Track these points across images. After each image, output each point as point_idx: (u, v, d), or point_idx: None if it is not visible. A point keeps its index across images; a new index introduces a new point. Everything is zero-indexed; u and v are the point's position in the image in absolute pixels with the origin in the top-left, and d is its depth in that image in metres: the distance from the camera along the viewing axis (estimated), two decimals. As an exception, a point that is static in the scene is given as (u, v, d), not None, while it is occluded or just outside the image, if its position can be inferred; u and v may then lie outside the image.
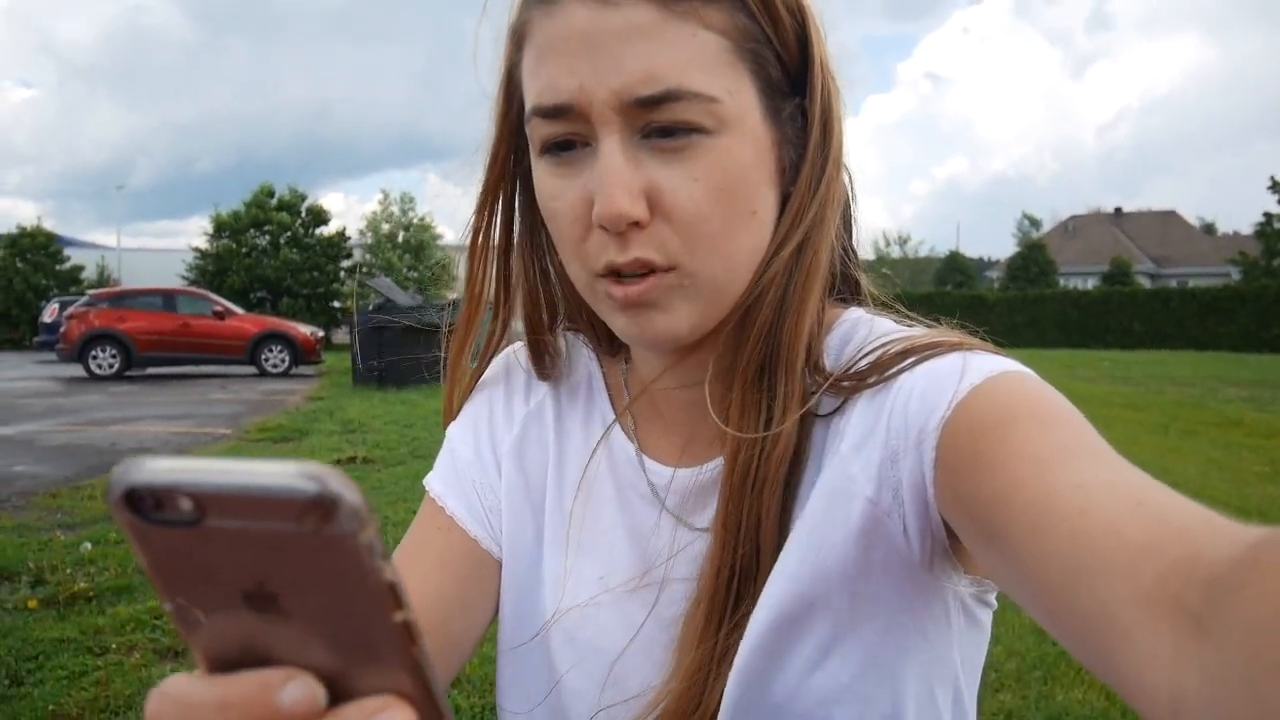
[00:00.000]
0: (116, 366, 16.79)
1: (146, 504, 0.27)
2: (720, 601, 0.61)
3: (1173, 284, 43.79)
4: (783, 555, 0.60)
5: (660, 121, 0.56)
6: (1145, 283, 45.83)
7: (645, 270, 0.58)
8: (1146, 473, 0.46)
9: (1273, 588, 0.31)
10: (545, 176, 0.61)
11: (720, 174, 0.58)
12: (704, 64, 0.56)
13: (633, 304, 0.60)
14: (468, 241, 0.73)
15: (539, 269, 0.73)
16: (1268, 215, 39.18)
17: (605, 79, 0.56)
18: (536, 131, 0.60)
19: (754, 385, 0.62)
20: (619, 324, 0.62)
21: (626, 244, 0.58)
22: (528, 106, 0.60)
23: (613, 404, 0.75)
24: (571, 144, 0.59)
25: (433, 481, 0.77)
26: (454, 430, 0.79)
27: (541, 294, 0.74)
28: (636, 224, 0.57)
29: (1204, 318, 31.82)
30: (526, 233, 0.73)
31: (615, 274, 0.59)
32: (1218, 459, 8.02)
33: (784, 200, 0.63)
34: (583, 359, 0.79)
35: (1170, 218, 59.16)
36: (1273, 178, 38.98)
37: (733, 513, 0.61)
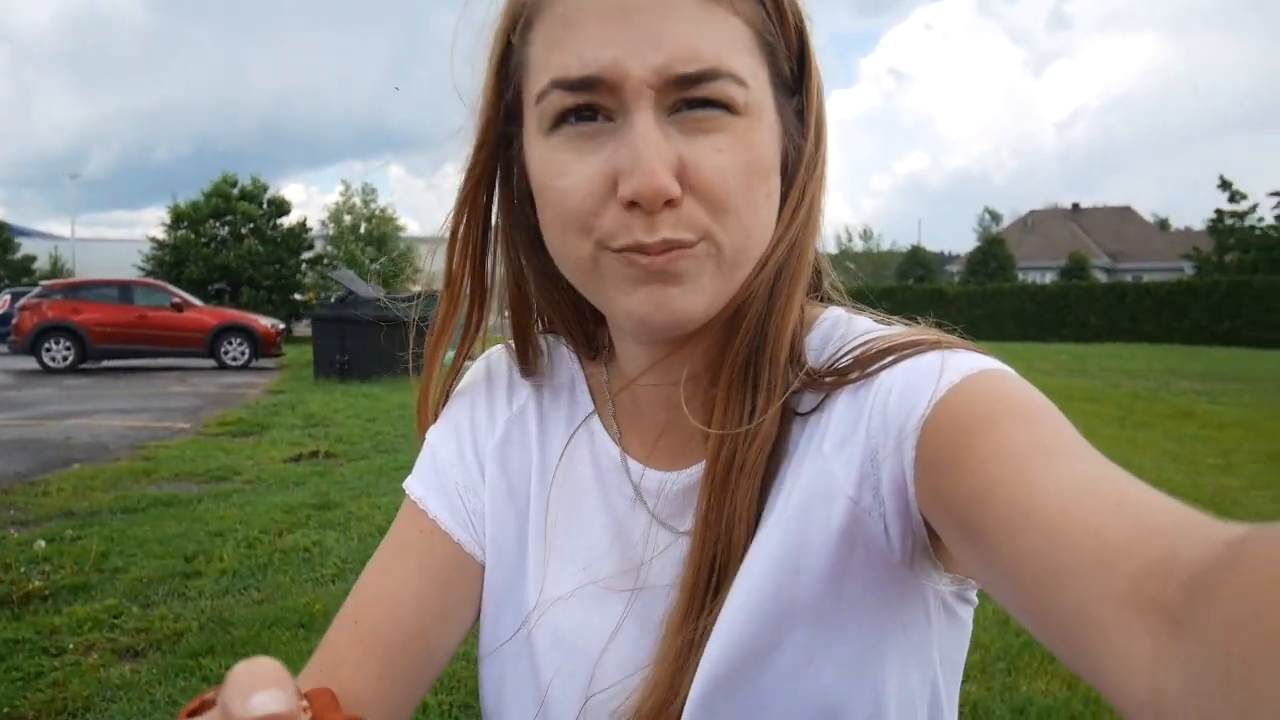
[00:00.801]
0: (71, 359, 16.47)
1: None
2: (699, 594, 0.61)
3: (1128, 278, 44.47)
4: (760, 551, 0.60)
5: (694, 96, 0.56)
6: (1101, 277, 46.56)
7: (672, 247, 0.58)
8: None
9: (1250, 585, 0.31)
10: (552, 153, 0.59)
11: (745, 150, 0.58)
12: (735, 47, 0.57)
13: (656, 275, 0.58)
14: (447, 234, 0.71)
15: (522, 264, 0.72)
16: (1219, 212, 39.99)
17: (643, 53, 0.55)
18: (552, 105, 0.58)
19: (739, 380, 0.62)
20: (631, 302, 0.59)
21: (656, 224, 0.56)
22: (544, 81, 0.58)
23: (596, 405, 0.75)
24: (592, 115, 0.58)
25: (413, 485, 0.75)
26: (434, 434, 0.78)
27: (524, 285, 0.73)
28: (669, 202, 0.56)
29: (1158, 312, 32.44)
30: (509, 227, 0.71)
31: (639, 249, 0.58)
32: (1172, 450, 8.20)
33: (781, 196, 0.64)
34: (564, 360, 0.78)
35: (1126, 214, 60.13)
36: (1222, 176, 39.85)
37: (714, 507, 0.61)
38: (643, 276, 0.58)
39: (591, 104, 0.57)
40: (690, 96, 0.56)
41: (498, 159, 0.68)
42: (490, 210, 0.71)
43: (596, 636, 0.67)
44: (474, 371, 0.80)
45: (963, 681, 0.66)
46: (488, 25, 0.65)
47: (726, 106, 0.57)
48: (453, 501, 0.74)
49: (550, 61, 0.58)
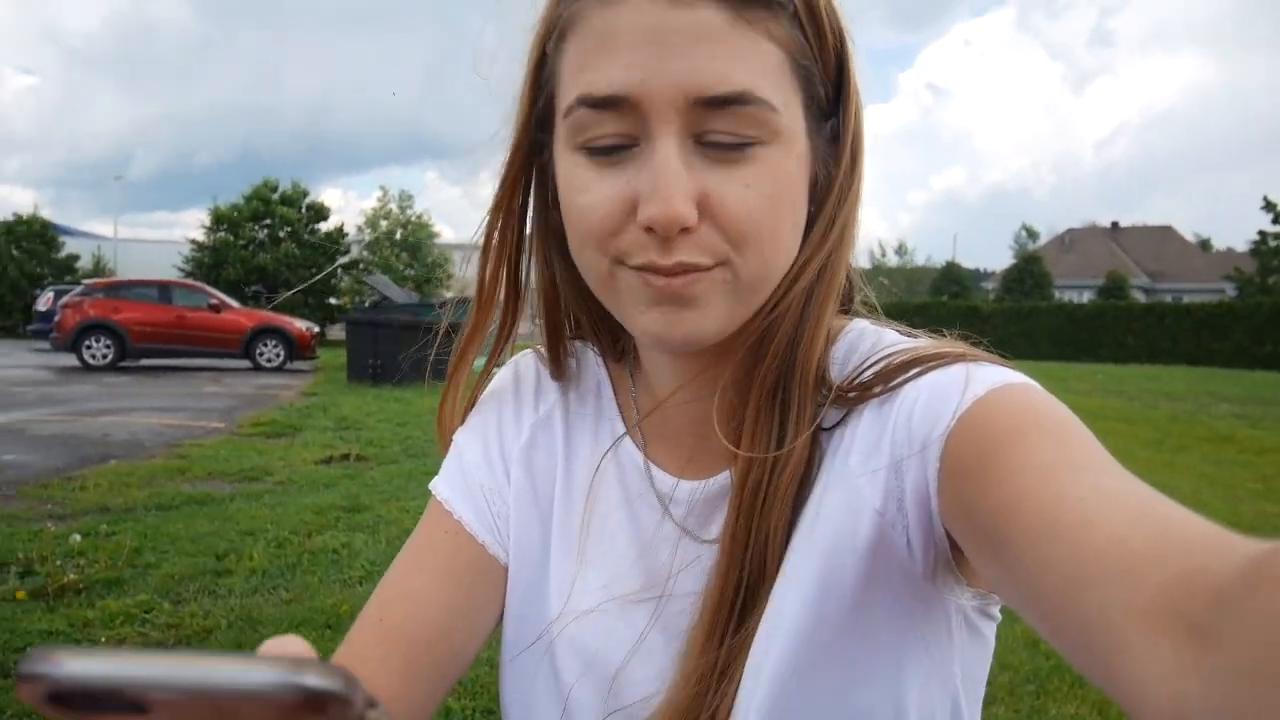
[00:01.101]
0: (110, 357, 16.74)
1: (75, 700, 0.24)
2: (725, 615, 0.61)
3: (1167, 299, 43.85)
4: (790, 570, 0.59)
5: (720, 129, 0.56)
6: (1140, 297, 45.90)
7: (687, 271, 0.58)
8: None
9: (1276, 601, 0.31)
10: (576, 168, 0.60)
11: (771, 183, 0.58)
12: (768, 74, 0.56)
13: (670, 298, 0.58)
14: (481, 240, 0.71)
15: (553, 267, 0.72)
16: (1262, 234, 39.31)
17: (672, 75, 0.55)
18: (579, 123, 0.58)
19: (768, 402, 0.62)
20: (645, 320, 0.60)
21: (671, 248, 0.57)
22: (571, 96, 0.59)
23: (621, 412, 0.75)
24: (615, 149, 0.58)
25: (439, 486, 0.76)
26: (461, 436, 0.78)
27: (557, 290, 0.73)
28: (685, 229, 0.56)
29: (1198, 333, 31.90)
30: (541, 231, 0.71)
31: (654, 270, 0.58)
32: (1210, 474, 8.04)
33: (809, 218, 0.63)
34: (591, 366, 0.78)
35: (1166, 233, 59.30)
36: (1266, 197, 39.14)
37: (741, 528, 0.61)
38: (656, 297, 0.59)
39: (616, 132, 0.57)
40: (718, 125, 0.56)
41: (531, 165, 0.69)
42: (525, 215, 0.71)
43: (620, 648, 0.67)
44: (502, 376, 0.80)
45: (991, 703, 0.66)
46: (524, 30, 0.65)
47: (754, 138, 0.57)
48: (478, 504, 0.74)
49: (579, 77, 0.58)
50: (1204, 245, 63.54)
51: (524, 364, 0.81)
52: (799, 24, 0.58)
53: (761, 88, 0.56)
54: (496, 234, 0.71)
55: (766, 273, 0.60)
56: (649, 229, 0.56)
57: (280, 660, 0.23)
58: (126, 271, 30.14)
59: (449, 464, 0.77)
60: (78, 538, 4.87)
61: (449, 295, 0.82)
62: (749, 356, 0.63)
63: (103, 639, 3.59)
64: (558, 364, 0.77)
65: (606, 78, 0.56)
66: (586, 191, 0.59)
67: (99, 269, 33.33)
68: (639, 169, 0.57)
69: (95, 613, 3.85)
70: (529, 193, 0.70)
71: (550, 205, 0.69)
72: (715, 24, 0.55)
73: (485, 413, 0.79)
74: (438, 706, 0.70)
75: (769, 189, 0.57)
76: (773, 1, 0.57)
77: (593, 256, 0.61)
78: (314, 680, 0.23)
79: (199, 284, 20.28)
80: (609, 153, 0.58)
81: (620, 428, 0.74)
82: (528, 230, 0.72)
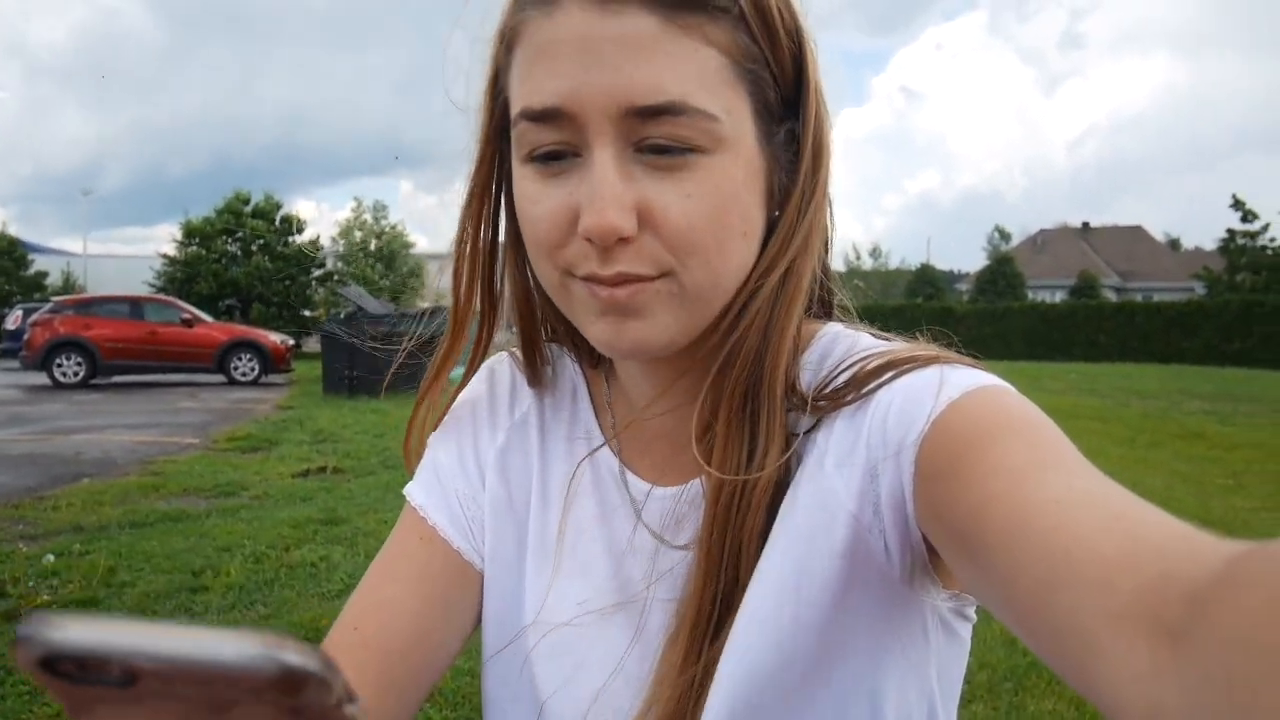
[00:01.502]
0: (81, 375, 16.53)
1: (66, 667, 0.24)
2: (702, 625, 0.60)
3: (1138, 298, 44.34)
4: (766, 576, 0.59)
5: (657, 137, 0.55)
6: (1111, 296, 46.43)
7: (629, 281, 0.57)
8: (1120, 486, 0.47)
9: (1250, 603, 0.31)
10: (526, 181, 0.60)
11: (714, 193, 0.57)
12: (704, 80, 0.55)
13: (615, 308, 0.58)
14: (453, 250, 0.71)
15: (526, 274, 0.72)
16: (1231, 232, 39.87)
17: (602, 85, 0.54)
18: (523, 136, 0.58)
19: (739, 415, 0.61)
20: (595, 330, 0.61)
21: (610, 258, 0.57)
22: (515, 109, 0.59)
23: (597, 417, 0.75)
24: (560, 155, 0.58)
25: (414, 491, 0.75)
26: (436, 439, 0.78)
27: (531, 298, 0.73)
28: (623, 239, 0.56)
29: (1168, 331, 32.29)
30: (514, 239, 0.70)
31: (597, 280, 0.58)
32: (1182, 471, 8.14)
33: (770, 224, 0.63)
34: (567, 370, 0.78)
35: (1136, 233, 60.02)
36: (1235, 196, 39.74)
37: (716, 539, 0.60)
38: (602, 308, 0.59)
39: (558, 140, 0.57)
40: (653, 137, 0.55)
41: (498, 175, 0.68)
42: (496, 225, 0.71)
43: (596, 660, 0.67)
44: (477, 380, 0.80)
45: (970, 701, 0.66)
46: (483, 42, 0.64)
47: (694, 145, 0.56)
48: (453, 509, 0.74)
49: (522, 89, 0.58)
50: (1173, 245, 64.39)
51: (499, 368, 0.80)
52: (745, 27, 0.57)
53: (696, 96, 0.55)
54: (468, 246, 0.71)
55: (713, 283, 0.59)
56: (590, 239, 0.56)
57: (262, 636, 0.23)
58: (97, 288, 29.82)
59: (424, 469, 0.77)
60: (51, 558, 4.81)
61: (425, 305, 0.82)
62: (717, 369, 0.62)
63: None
64: (534, 371, 0.77)
65: (543, 90, 0.56)
66: (535, 203, 0.59)
67: (69, 286, 32.95)
68: (580, 180, 0.57)
69: (70, 633, 3.79)
70: (499, 203, 0.70)
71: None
72: (647, 31, 0.54)
73: (460, 418, 0.78)
74: (415, 713, 0.70)
75: (711, 198, 0.57)
76: (710, 5, 0.55)
77: (545, 268, 0.61)
78: (293, 657, 0.23)
79: (171, 299, 20.08)
80: (553, 164, 0.58)
81: (596, 433, 0.74)
82: (500, 240, 0.72)
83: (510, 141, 0.63)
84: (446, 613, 0.71)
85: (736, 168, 0.58)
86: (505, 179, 0.68)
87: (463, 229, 0.70)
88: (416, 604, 0.69)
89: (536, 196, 0.59)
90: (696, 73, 0.55)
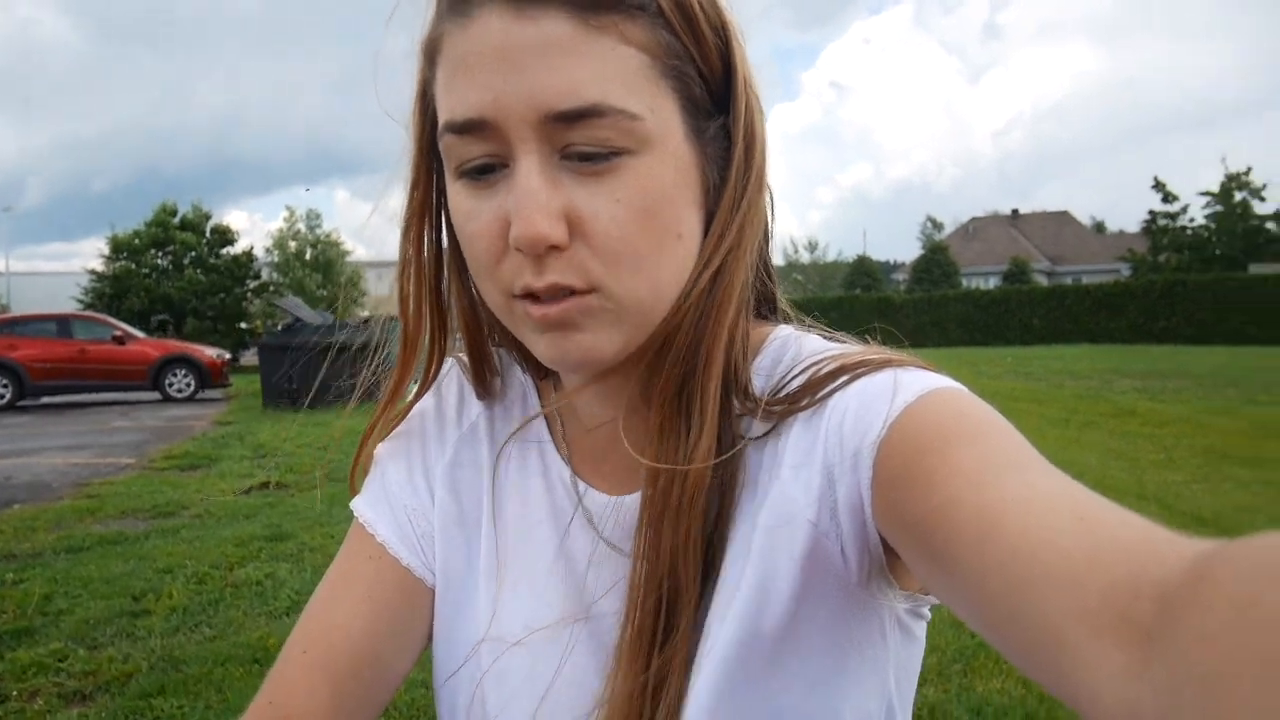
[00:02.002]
0: (8, 397, 15.98)
1: None
2: (649, 632, 0.60)
3: (1067, 281, 45.55)
4: (727, 581, 0.59)
5: (580, 142, 0.54)
6: (1042, 281, 47.56)
7: (563, 294, 0.57)
8: (1062, 470, 0.47)
9: (1221, 600, 0.31)
10: (459, 197, 0.59)
11: (642, 195, 0.56)
12: (624, 80, 0.54)
13: (553, 325, 0.58)
14: (398, 273, 0.70)
15: (473, 287, 0.70)
16: (1152, 213, 41.17)
17: (521, 93, 0.53)
18: (450, 149, 0.58)
19: (672, 409, 0.61)
20: (539, 347, 0.60)
21: (543, 268, 0.56)
22: (440, 123, 0.58)
23: (548, 425, 0.73)
24: (489, 168, 0.57)
25: (361, 507, 0.74)
26: (384, 452, 0.76)
27: (476, 310, 0.72)
28: (554, 247, 0.55)
29: (1097, 313, 33.21)
30: (455, 251, 0.68)
31: (533, 296, 0.57)
32: (1116, 448, 8.38)
33: (708, 221, 0.62)
34: (516, 378, 0.77)
35: (1063, 218, 61.54)
36: (1156, 178, 41.01)
37: (652, 541, 0.60)
38: (542, 326, 0.58)
39: (485, 153, 0.56)
40: (576, 143, 0.54)
41: (434, 189, 0.67)
42: (438, 238, 0.69)
43: (547, 669, 0.66)
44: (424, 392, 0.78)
45: (920, 685, 0.67)
46: (409, 53, 0.63)
47: (619, 147, 0.55)
48: (402, 524, 0.73)
49: (443, 105, 0.58)
50: (1099, 228, 66.21)
51: (447, 380, 0.79)
52: (665, 23, 0.56)
53: (616, 96, 0.54)
54: (412, 266, 0.69)
55: (649, 288, 0.58)
56: (520, 249, 0.55)
57: None
58: (21, 306, 28.87)
59: (371, 482, 0.76)
60: (-18, 588, 4.64)
61: (364, 314, 0.80)
62: (651, 365, 0.62)
63: (14, 693, 3.42)
64: (482, 384, 0.76)
65: (464, 101, 0.55)
66: (469, 219, 0.58)
67: (-10, 306, 31.82)
68: (508, 190, 0.56)
69: (4, 665, 3.66)
70: (439, 217, 0.69)
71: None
72: (561, 35, 0.53)
73: (409, 432, 0.77)
74: None
75: (640, 201, 0.56)
76: (626, 4, 0.55)
77: (488, 288, 0.61)
78: None
79: (101, 316, 19.51)
80: (483, 177, 0.57)
81: (547, 441, 0.73)
82: (444, 251, 0.70)
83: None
84: (396, 631, 0.70)
85: (665, 167, 0.57)
86: (442, 193, 0.66)
87: (404, 250, 0.69)
88: (366, 624, 0.68)
89: (470, 212, 0.58)
90: (616, 73, 0.54)
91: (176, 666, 3.64)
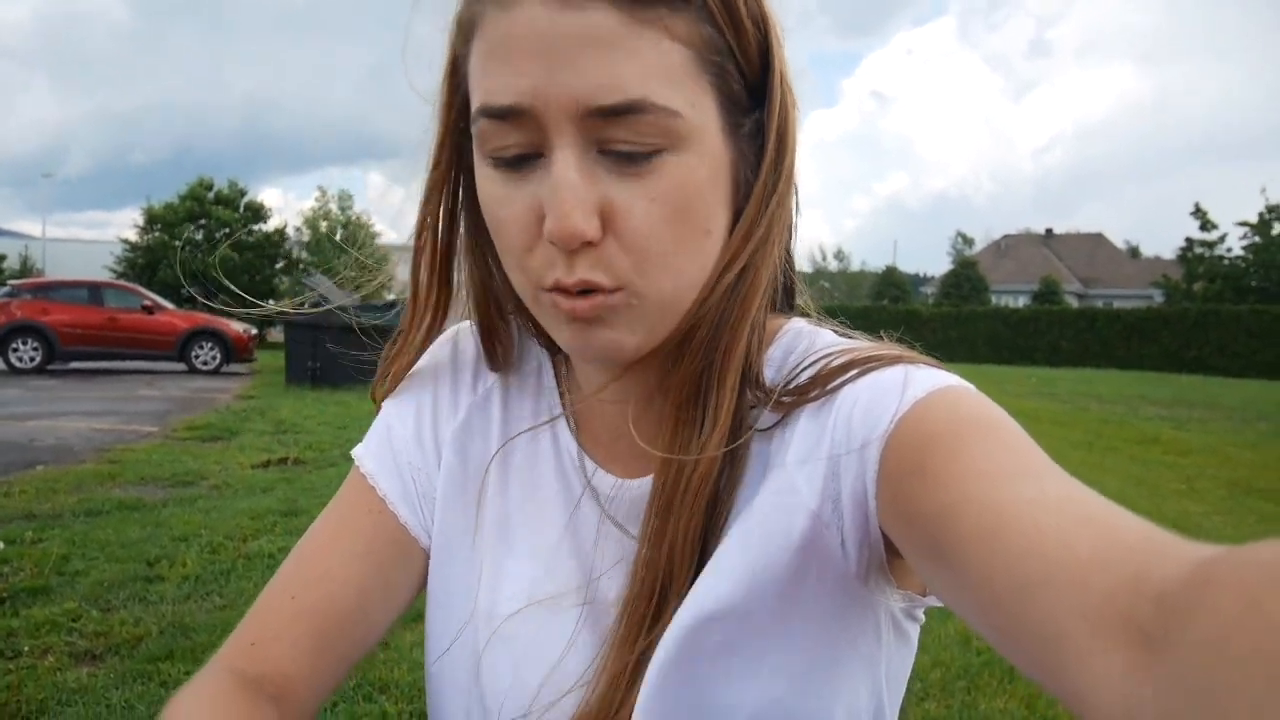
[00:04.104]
0: (38, 360, 16.19)
1: None
2: (642, 612, 0.60)
3: (1099, 304, 45.03)
4: (720, 562, 0.59)
5: (620, 137, 0.53)
6: (1073, 302, 47.09)
7: (590, 290, 0.56)
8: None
9: (1225, 605, 0.31)
10: (490, 182, 0.58)
11: (678, 193, 0.55)
12: (668, 75, 0.53)
13: (580, 319, 0.58)
14: (413, 243, 0.70)
15: (487, 265, 0.70)
16: (1189, 240, 40.59)
17: (562, 85, 0.52)
18: (484, 133, 0.57)
19: (689, 402, 0.61)
20: (564, 337, 0.60)
21: (574, 263, 0.55)
22: (475, 105, 0.57)
23: (562, 401, 0.73)
24: (522, 159, 0.56)
25: (364, 458, 0.74)
26: (391, 408, 0.76)
27: (491, 288, 0.71)
28: (588, 243, 0.55)
29: (1128, 338, 32.87)
30: (472, 231, 0.69)
31: (562, 289, 0.57)
32: (1137, 475, 8.29)
33: (736, 217, 0.61)
34: (533, 350, 0.76)
35: (1098, 240, 60.92)
36: (1197, 205, 40.45)
37: (658, 527, 0.60)
38: (567, 319, 0.58)
39: (519, 142, 0.55)
40: (617, 134, 0.53)
41: (458, 166, 0.67)
42: (454, 213, 0.69)
43: (546, 648, 0.66)
44: (439, 348, 0.78)
45: (923, 699, 0.66)
46: (441, 31, 0.62)
47: (658, 145, 0.54)
48: (404, 480, 0.73)
49: (482, 84, 0.56)
50: (1133, 252, 65.43)
51: (464, 339, 0.78)
52: (709, 17, 0.55)
53: (659, 93, 0.53)
54: (428, 238, 0.69)
55: (675, 292, 0.58)
56: (554, 243, 0.55)
57: None
58: (56, 272, 29.28)
59: (376, 435, 0.75)
60: (1, 545, 4.71)
61: (391, 297, 0.81)
62: (672, 357, 0.62)
63: (26, 649, 3.47)
64: (493, 356, 0.75)
65: (502, 87, 0.54)
66: (502, 205, 0.58)
67: (27, 270, 32.29)
68: (542, 181, 0.55)
69: (20, 622, 3.72)
70: (458, 191, 0.68)
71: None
72: (607, 27, 0.52)
73: (420, 388, 0.76)
74: (343, 680, 0.70)
75: (675, 200, 0.55)
76: None
77: (518, 278, 0.60)
78: None
79: (132, 285, 19.73)
80: (517, 164, 0.56)
81: (560, 413, 0.73)
82: (460, 232, 0.70)
83: (470, 132, 0.61)
84: (387, 589, 0.70)
85: (701, 164, 0.56)
86: (465, 171, 0.66)
87: (422, 220, 0.69)
88: (359, 579, 0.69)
89: (502, 198, 0.58)
90: (659, 68, 0.53)
91: (186, 633, 3.68)
